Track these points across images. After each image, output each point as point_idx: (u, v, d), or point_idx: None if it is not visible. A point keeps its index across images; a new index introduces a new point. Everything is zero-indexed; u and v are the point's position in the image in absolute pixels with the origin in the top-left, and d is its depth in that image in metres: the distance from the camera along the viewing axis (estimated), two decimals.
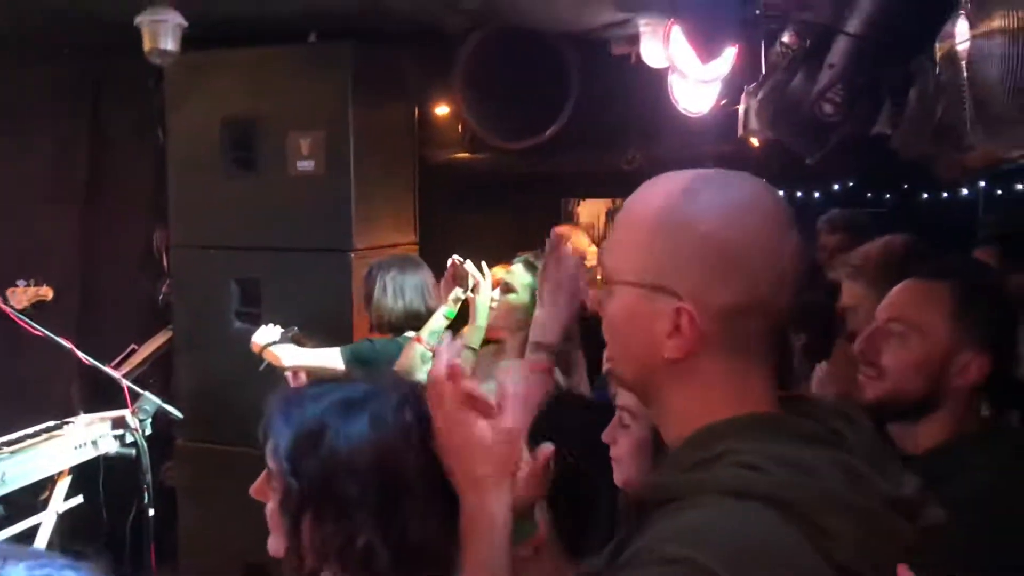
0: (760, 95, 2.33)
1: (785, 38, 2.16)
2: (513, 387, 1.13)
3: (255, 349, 3.48)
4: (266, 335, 3.50)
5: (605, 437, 1.54)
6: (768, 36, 2.58)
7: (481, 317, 3.12)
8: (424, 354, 3.19)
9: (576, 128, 4.28)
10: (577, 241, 3.90)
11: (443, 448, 1.16)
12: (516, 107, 4.33)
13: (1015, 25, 1.55)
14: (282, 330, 3.53)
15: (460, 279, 3.21)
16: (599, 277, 1.09)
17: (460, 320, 3.29)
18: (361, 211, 4.05)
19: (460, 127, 4.71)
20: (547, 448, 1.22)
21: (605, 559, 1.05)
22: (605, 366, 1.16)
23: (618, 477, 1.51)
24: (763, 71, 2.75)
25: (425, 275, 3.53)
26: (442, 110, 4.75)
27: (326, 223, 4.05)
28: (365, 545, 1.19)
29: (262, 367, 3.50)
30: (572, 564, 1.25)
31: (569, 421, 1.57)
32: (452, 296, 3.23)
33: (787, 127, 1.95)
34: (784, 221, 1.03)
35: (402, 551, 1.18)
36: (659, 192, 1.04)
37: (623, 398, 1.48)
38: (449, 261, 3.26)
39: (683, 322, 0.99)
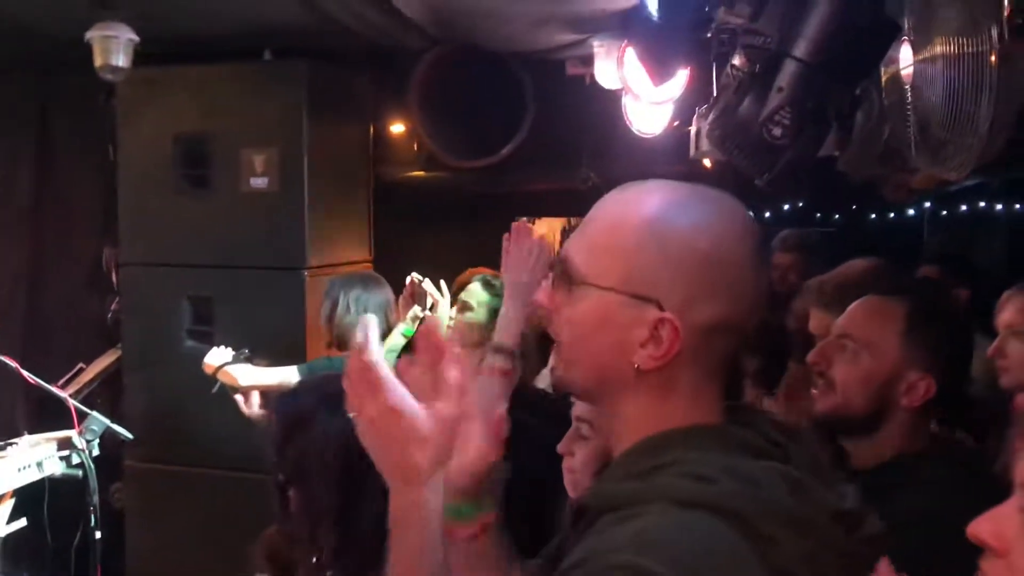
0: (710, 117, 2.37)
1: (736, 61, 2.19)
2: (455, 374, 1.04)
3: (208, 371, 3.44)
4: (218, 356, 3.47)
5: (561, 448, 1.54)
6: (720, 58, 2.62)
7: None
8: None
9: (531, 147, 4.30)
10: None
11: (374, 440, 1.05)
12: (472, 126, 4.34)
13: (956, 51, 1.59)
14: (233, 352, 3.50)
15: (419, 297, 3.21)
16: (559, 274, 1.07)
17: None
18: (315, 229, 4.03)
19: (416, 145, 4.71)
20: (499, 411, 1.20)
21: (545, 559, 1.05)
22: (554, 372, 1.13)
23: (571, 488, 1.52)
24: (715, 93, 2.79)
25: (387, 293, 3.52)
26: (397, 128, 4.75)
27: (279, 241, 4.02)
28: (325, 533, 1.28)
29: (215, 388, 3.46)
30: (516, 560, 1.24)
31: (527, 428, 1.57)
32: (410, 314, 3.22)
33: (736, 148, 1.98)
34: (763, 244, 1.05)
35: (356, 544, 1.23)
36: (649, 201, 1.04)
37: (580, 409, 1.49)
38: (408, 279, 3.26)
39: (664, 333, 0.99)
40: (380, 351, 1.04)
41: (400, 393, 1.02)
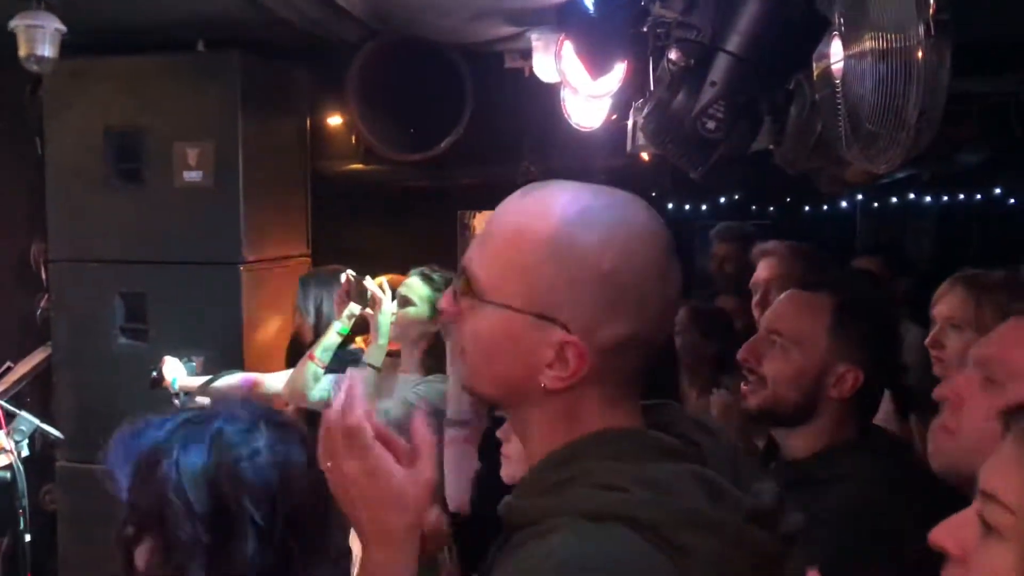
0: (645, 111, 2.39)
1: (672, 55, 2.21)
2: (428, 435, 1.06)
3: (188, 389, 3.38)
4: (176, 369, 3.42)
5: (500, 433, 1.55)
6: (656, 52, 2.64)
7: (383, 335, 3.08)
8: (316, 372, 3.13)
9: (471, 141, 4.29)
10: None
11: (349, 498, 1.04)
12: (410, 119, 4.32)
13: (884, 46, 1.62)
14: (179, 362, 3.47)
15: (355, 295, 3.17)
16: (462, 286, 1.03)
17: (352, 336, 3.26)
18: (251, 223, 3.96)
19: (353, 138, 4.66)
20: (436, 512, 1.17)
21: None
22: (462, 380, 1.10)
23: (506, 473, 1.52)
24: (651, 87, 2.81)
25: None
26: (335, 121, 4.70)
27: (214, 236, 3.95)
28: None
29: (179, 403, 3.39)
30: None
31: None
32: (346, 312, 3.18)
33: (670, 142, 2.00)
34: (671, 251, 1.01)
35: None
36: (551, 212, 0.99)
37: None
38: (343, 277, 3.22)
39: (570, 356, 0.96)
40: (364, 410, 1.04)
41: (383, 457, 1.02)
